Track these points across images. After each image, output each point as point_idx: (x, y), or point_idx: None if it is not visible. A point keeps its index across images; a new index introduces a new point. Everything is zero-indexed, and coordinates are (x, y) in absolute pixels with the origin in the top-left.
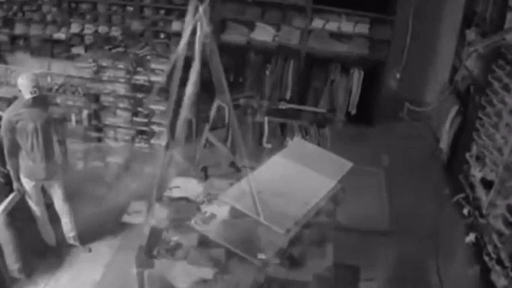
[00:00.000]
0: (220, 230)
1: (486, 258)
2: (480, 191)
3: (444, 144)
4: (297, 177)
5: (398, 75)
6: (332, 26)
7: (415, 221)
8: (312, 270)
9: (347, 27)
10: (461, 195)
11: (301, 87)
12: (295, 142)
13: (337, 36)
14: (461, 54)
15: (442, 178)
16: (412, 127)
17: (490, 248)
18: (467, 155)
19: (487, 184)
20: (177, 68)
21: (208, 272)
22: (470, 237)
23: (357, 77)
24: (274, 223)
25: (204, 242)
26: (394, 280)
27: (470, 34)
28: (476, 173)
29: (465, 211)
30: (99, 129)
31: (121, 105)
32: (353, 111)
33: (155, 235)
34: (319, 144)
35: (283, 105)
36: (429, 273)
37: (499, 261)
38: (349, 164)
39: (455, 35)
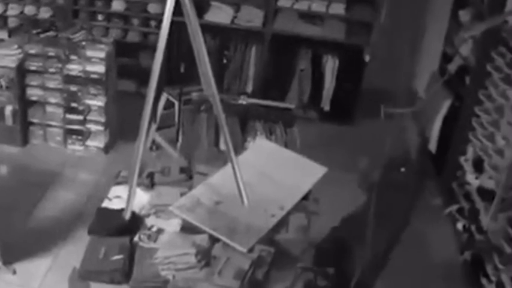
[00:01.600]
0: (204, 216)
1: (484, 281)
2: (477, 202)
3: (434, 145)
4: (260, 184)
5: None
6: (302, 5)
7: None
8: None
9: (319, 6)
10: (455, 206)
11: (265, 78)
12: (258, 143)
13: (308, 17)
14: (454, 40)
15: (432, 186)
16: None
17: (489, 269)
18: (462, 159)
19: (485, 193)
20: (159, 50)
21: (191, 258)
22: (466, 256)
23: (330, 66)
24: (236, 240)
25: (187, 228)
26: None
27: (465, 16)
28: (473, 181)
29: (459, 225)
30: (25, 128)
31: (51, 100)
32: (326, 108)
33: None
34: (286, 146)
35: (243, 100)
36: None
37: (499, 285)
38: (322, 169)
39: (447, 17)
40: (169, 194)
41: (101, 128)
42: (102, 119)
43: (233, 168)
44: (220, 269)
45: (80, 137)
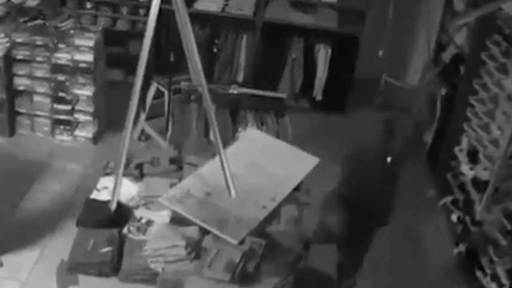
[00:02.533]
0: (194, 207)
1: (479, 274)
2: (472, 193)
3: (428, 136)
4: (251, 175)
5: (380, 53)
6: None
7: (393, 229)
8: None
9: None
10: (449, 198)
11: (257, 67)
12: (249, 133)
13: (300, 5)
14: (448, 29)
15: (426, 177)
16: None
17: (484, 261)
18: (456, 149)
19: (480, 185)
20: (146, 38)
21: (181, 251)
22: (460, 248)
23: (323, 55)
24: (226, 232)
25: (176, 220)
26: None
27: (460, 4)
28: (467, 172)
29: (454, 217)
30: (12, 118)
31: (39, 89)
32: (318, 97)
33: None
34: (278, 136)
35: (234, 89)
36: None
37: (495, 278)
38: (314, 160)
39: (441, 5)
40: (158, 185)
41: (89, 118)
42: (91, 109)
43: (221, 159)
44: (210, 261)
45: (68, 127)
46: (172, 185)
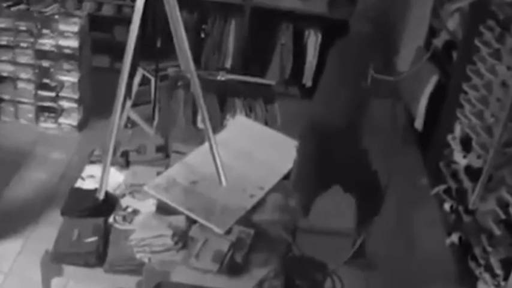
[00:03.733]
0: (180, 196)
1: (472, 265)
2: (465, 182)
3: (420, 123)
4: (239, 163)
5: None
6: None
7: (385, 219)
8: (257, 279)
9: None
10: (442, 186)
11: (245, 53)
12: (237, 121)
13: None
14: (441, 13)
15: (418, 166)
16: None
17: (477, 251)
18: (449, 137)
19: (474, 173)
20: (134, 24)
21: (167, 240)
22: (453, 238)
23: (313, 40)
24: (212, 221)
25: (162, 209)
26: None
27: None
28: (460, 160)
29: (447, 206)
30: None
31: (23, 75)
32: (308, 84)
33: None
34: (266, 124)
35: (222, 76)
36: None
37: (488, 268)
38: None
39: None
40: (145, 173)
41: (74, 105)
42: (76, 96)
43: (211, 147)
44: (197, 251)
45: (52, 114)
46: (158, 174)
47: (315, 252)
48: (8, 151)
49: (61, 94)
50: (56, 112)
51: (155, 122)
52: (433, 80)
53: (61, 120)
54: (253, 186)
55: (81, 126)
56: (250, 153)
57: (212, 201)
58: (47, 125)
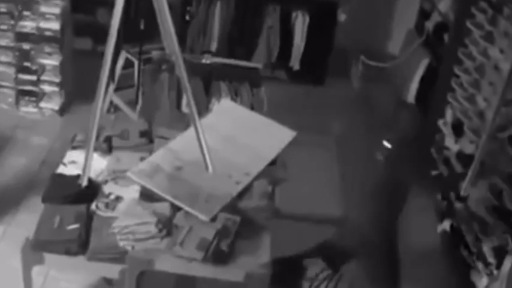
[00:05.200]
0: (164, 182)
1: (464, 253)
2: (457, 168)
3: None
4: (224, 149)
5: (343, 17)
6: None
7: (375, 205)
8: (243, 268)
9: None
10: (433, 172)
11: (231, 36)
12: (223, 105)
13: None
14: None
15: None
16: (370, 87)
17: (469, 239)
18: (440, 122)
19: (466, 159)
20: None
21: (151, 228)
22: (445, 226)
23: (300, 22)
24: (197, 208)
25: (146, 195)
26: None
27: None
28: (452, 145)
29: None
30: None
31: (2, 58)
32: (296, 67)
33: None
34: (253, 108)
35: (207, 59)
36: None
37: (481, 257)
38: (291, 133)
39: None
40: (128, 159)
41: (55, 88)
42: (57, 79)
43: (196, 132)
44: (182, 239)
45: (33, 99)
46: (142, 159)
47: (292, 241)
48: None
49: (42, 78)
50: (37, 96)
51: (139, 107)
52: (424, 63)
53: (42, 104)
54: (239, 172)
55: (63, 110)
56: (236, 138)
57: (197, 187)
58: (27, 109)
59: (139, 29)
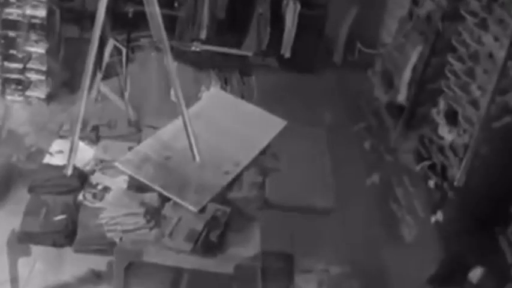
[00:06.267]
0: (153, 172)
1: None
2: (450, 158)
3: (403, 96)
4: (213, 138)
5: None
6: None
7: (367, 196)
8: (233, 260)
9: None
10: (427, 162)
11: (221, 23)
12: (213, 93)
13: None
14: None
15: (402, 140)
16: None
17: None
18: (434, 111)
19: (459, 148)
20: None
21: (139, 219)
22: (438, 216)
23: (292, 9)
24: (186, 199)
25: (134, 186)
26: (339, 272)
27: None
28: (445, 135)
29: (431, 183)
30: None
31: None
32: (287, 55)
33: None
34: (243, 97)
35: (197, 47)
36: (385, 261)
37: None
38: (282, 123)
39: None
40: (116, 148)
41: (42, 77)
42: (44, 68)
43: (184, 121)
44: (171, 230)
45: (19, 87)
46: (130, 149)
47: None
48: None
49: (28, 66)
50: (23, 84)
51: (127, 95)
52: (417, 51)
53: (28, 93)
54: (228, 162)
55: (50, 99)
56: (226, 128)
57: (186, 178)
58: (13, 97)
59: (127, 16)
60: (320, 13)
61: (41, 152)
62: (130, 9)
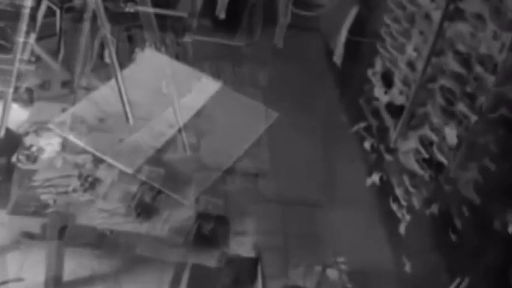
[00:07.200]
0: (87, 134)
1: (394, 206)
2: (386, 119)
3: (339, 57)
4: (148, 100)
5: None
6: None
7: (302, 159)
8: (167, 222)
9: None
10: (362, 124)
11: None
12: (146, 55)
13: None
14: None
15: (337, 101)
16: (298, 36)
17: (399, 192)
18: (370, 72)
19: (395, 110)
20: None
21: (73, 181)
22: (374, 178)
23: None
24: (121, 161)
25: (68, 147)
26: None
27: None
28: (381, 96)
29: (367, 144)
30: None
31: None
32: (221, 16)
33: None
34: (177, 58)
35: (131, 8)
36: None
37: (411, 209)
38: (216, 84)
39: None
40: (50, 110)
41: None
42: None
43: (117, 83)
44: (105, 192)
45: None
46: (64, 110)
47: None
48: None
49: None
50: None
51: (60, 56)
52: (353, 12)
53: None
54: (163, 124)
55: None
56: (160, 90)
57: (120, 139)
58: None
59: None
60: None
61: None
62: None
